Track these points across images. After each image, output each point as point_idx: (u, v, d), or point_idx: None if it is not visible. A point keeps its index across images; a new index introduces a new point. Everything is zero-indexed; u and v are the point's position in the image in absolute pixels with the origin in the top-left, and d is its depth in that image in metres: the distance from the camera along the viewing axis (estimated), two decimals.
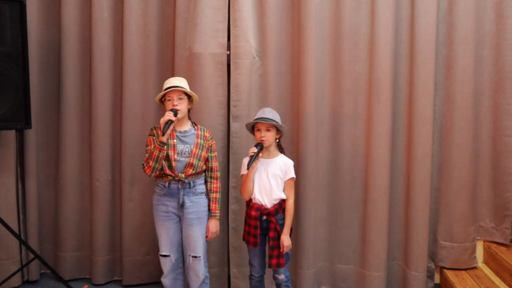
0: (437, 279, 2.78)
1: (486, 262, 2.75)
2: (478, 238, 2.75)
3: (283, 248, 2.11)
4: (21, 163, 2.70)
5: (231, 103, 2.58)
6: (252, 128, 2.22)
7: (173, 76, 2.63)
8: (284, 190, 2.19)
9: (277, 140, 2.22)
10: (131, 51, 2.62)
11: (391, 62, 2.53)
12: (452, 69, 2.60)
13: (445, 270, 2.70)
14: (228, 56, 2.58)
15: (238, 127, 2.57)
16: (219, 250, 2.66)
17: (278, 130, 2.18)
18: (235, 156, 2.58)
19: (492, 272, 2.63)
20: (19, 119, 2.36)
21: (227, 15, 2.56)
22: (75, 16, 2.67)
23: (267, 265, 2.20)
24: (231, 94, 2.57)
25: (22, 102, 2.36)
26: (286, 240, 2.13)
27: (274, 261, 2.13)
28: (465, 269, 2.69)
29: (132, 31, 2.62)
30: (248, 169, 2.10)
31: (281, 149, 2.27)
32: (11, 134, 2.61)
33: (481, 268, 2.72)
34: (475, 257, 2.73)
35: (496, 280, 2.53)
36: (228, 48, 2.58)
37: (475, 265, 2.72)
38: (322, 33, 2.58)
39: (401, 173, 2.65)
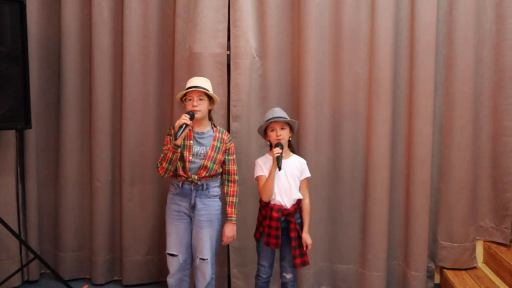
0: (437, 279, 2.78)
1: (486, 262, 2.75)
2: (478, 238, 2.75)
3: (307, 246, 2.13)
4: (21, 163, 2.70)
5: (231, 103, 2.58)
6: (264, 130, 2.19)
7: (173, 76, 2.64)
8: (300, 190, 2.18)
9: (290, 139, 2.20)
10: (131, 51, 2.62)
11: (391, 62, 2.53)
12: (452, 69, 2.60)
13: (445, 270, 2.70)
14: (228, 56, 2.58)
15: (238, 127, 2.57)
16: (219, 250, 2.64)
17: (290, 129, 2.17)
18: (235, 156, 2.56)
19: (492, 272, 2.63)
20: (19, 119, 2.36)
21: (227, 15, 2.56)
22: (75, 16, 2.67)
23: (276, 264, 2.18)
24: (231, 94, 2.57)
25: (22, 102, 2.36)
26: (308, 238, 2.14)
27: (298, 261, 2.11)
28: (465, 269, 2.69)
29: (132, 31, 2.62)
30: (280, 170, 2.05)
31: (292, 149, 2.26)
32: (11, 134, 2.61)
33: (481, 268, 2.72)
34: (475, 257, 2.73)
35: (496, 280, 2.53)
36: (228, 48, 2.58)
37: (475, 265, 2.72)
38: (322, 33, 2.58)
39: (401, 173, 2.65)
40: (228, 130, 2.60)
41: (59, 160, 2.76)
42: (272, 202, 2.13)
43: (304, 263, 2.13)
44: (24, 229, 2.72)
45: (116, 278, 2.85)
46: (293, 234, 2.11)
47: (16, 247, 2.67)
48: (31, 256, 2.64)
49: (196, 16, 2.52)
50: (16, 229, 2.63)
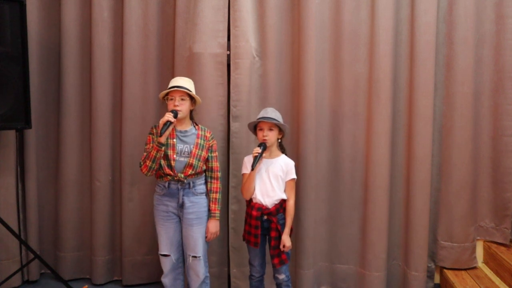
0: (437, 279, 2.78)
1: (486, 262, 2.75)
2: (478, 238, 2.75)
3: (284, 248, 2.12)
4: (21, 163, 2.69)
5: (231, 103, 2.58)
6: (254, 127, 2.21)
7: (173, 76, 2.64)
8: (285, 191, 2.19)
9: (279, 140, 2.22)
10: (131, 51, 2.62)
11: (391, 62, 2.53)
12: (452, 69, 2.60)
13: (445, 270, 2.70)
14: (228, 56, 2.58)
15: (238, 127, 2.57)
16: (219, 250, 2.66)
17: (280, 130, 2.18)
18: (235, 156, 2.58)
19: (492, 272, 2.63)
20: (19, 119, 2.37)
21: (227, 15, 2.56)
22: (75, 16, 2.67)
23: (269, 265, 2.20)
24: (231, 94, 2.57)
25: (22, 102, 2.36)
26: (287, 240, 2.13)
27: (276, 260, 2.13)
28: (465, 269, 2.68)
29: (132, 31, 2.62)
30: (252, 170, 2.09)
31: (282, 150, 2.27)
32: (11, 134, 2.61)
33: (481, 268, 2.72)
34: (475, 257, 2.73)
35: (496, 280, 2.53)
36: (228, 48, 2.58)
37: (475, 265, 2.72)
38: (322, 33, 2.58)
39: (401, 173, 2.65)
40: (228, 130, 2.61)
41: (59, 160, 2.76)
42: (253, 201, 2.17)
43: (282, 262, 2.13)
44: (24, 229, 2.72)
45: (116, 278, 2.85)
46: (273, 234, 2.13)
47: (16, 247, 2.67)
48: (31, 256, 2.64)
49: (196, 16, 2.52)
50: (16, 229, 2.63)
